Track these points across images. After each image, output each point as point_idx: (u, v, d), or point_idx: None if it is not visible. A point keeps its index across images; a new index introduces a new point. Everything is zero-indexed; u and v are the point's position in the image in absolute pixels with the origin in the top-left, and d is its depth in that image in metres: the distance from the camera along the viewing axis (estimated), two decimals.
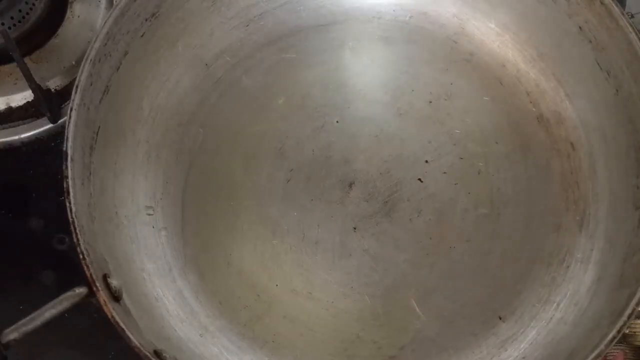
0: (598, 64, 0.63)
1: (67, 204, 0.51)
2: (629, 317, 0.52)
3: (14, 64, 0.66)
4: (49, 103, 0.67)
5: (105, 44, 0.57)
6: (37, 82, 0.66)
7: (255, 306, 0.60)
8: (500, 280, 0.61)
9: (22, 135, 0.68)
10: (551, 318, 0.60)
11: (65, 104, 0.68)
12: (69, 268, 0.55)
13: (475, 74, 0.68)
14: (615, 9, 0.60)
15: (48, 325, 0.48)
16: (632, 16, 0.73)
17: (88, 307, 0.51)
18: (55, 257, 0.65)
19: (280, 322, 0.59)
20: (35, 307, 0.49)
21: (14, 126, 0.68)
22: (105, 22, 0.57)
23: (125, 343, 0.48)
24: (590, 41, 0.63)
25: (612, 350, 0.61)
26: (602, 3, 0.61)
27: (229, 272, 0.61)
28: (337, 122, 0.66)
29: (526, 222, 0.63)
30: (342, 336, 0.59)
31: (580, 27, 0.63)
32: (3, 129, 0.68)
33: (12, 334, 0.46)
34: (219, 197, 0.63)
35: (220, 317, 0.59)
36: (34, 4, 0.69)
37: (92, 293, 0.49)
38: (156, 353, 0.50)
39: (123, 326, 0.48)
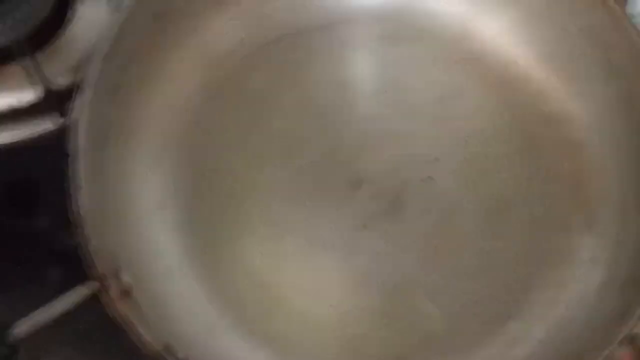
0: (604, 63, 0.63)
1: (73, 203, 0.51)
2: (639, 317, 0.52)
3: (19, 64, 0.66)
4: (53, 102, 0.67)
5: (110, 43, 0.57)
6: (42, 81, 0.66)
7: (262, 305, 0.59)
8: (509, 280, 0.61)
9: (27, 134, 0.68)
10: (560, 318, 0.59)
11: (70, 103, 0.68)
12: (75, 266, 0.55)
13: (480, 73, 0.68)
14: (619, 9, 0.61)
15: (55, 322, 0.48)
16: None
17: (92, 307, 0.51)
18: (62, 255, 0.65)
19: (287, 320, 0.59)
20: (42, 305, 0.49)
21: (18, 125, 0.68)
22: (110, 22, 0.58)
23: (130, 343, 0.48)
24: (596, 41, 0.63)
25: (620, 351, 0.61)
26: (605, 3, 0.61)
27: (235, 271, 0.60)
28: (341, 122, 0.66)
29: (534, 222, 0.63)
30: (349, 335, 0.59)
31: (585, 27, 0.64)
32: (7, 128, 0.68)
33: (23, 326, 0.46)
34: (224, 197, 0.63)
35: (227, 316, 0.59)
36: (37, 4, 0.69)
37: (102, 288, 0.49)
38: (166, 348, 0.49)
39: (134, 321, 0.48)
